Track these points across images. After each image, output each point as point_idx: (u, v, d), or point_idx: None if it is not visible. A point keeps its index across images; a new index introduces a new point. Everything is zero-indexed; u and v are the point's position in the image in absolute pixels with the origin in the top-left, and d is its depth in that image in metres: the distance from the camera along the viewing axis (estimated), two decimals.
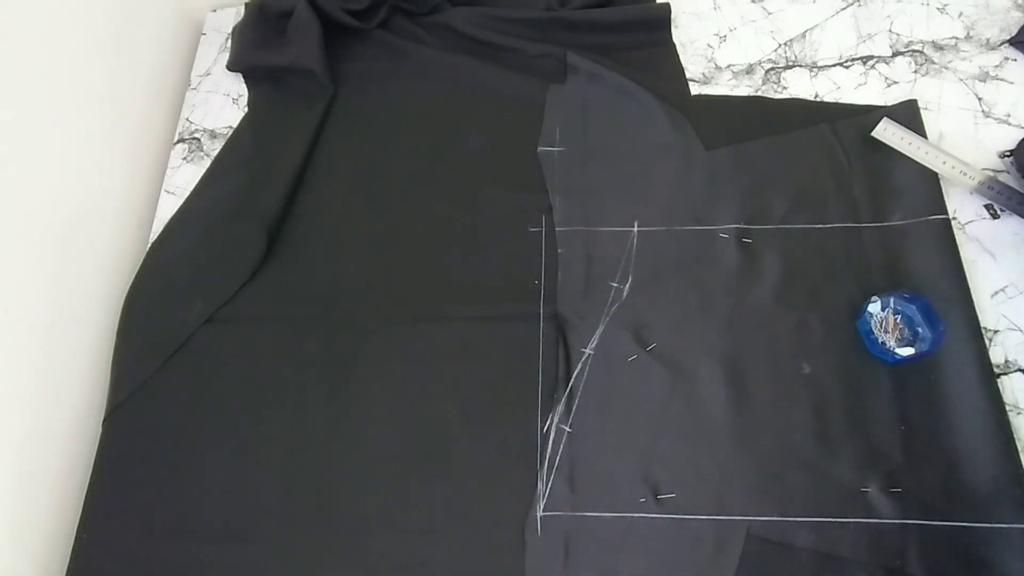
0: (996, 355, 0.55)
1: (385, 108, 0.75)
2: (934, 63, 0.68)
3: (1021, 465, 0.51)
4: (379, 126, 0.74)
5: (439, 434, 0.59)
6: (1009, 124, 0.63)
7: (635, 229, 0.64)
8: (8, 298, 0.58)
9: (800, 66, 0.70)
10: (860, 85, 0.68)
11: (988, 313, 0.56)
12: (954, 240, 0.58)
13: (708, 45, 0.74)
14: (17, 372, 0.59)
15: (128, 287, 0.69)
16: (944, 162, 0.60)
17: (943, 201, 0.60)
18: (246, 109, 0.78)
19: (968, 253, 0.58)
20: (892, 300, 0.56)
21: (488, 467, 0.57)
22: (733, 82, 0.71)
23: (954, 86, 0.66)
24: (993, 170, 0.61)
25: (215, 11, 0.87)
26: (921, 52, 0.68)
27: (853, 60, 0.69)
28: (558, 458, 0.56)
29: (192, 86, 0.82)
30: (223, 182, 0.73)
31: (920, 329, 0.54)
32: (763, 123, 0.67)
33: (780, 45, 0.72)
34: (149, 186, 0.76)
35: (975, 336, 0.54)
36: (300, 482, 0.58)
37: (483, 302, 0.63)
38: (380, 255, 0.67)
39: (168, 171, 0.76)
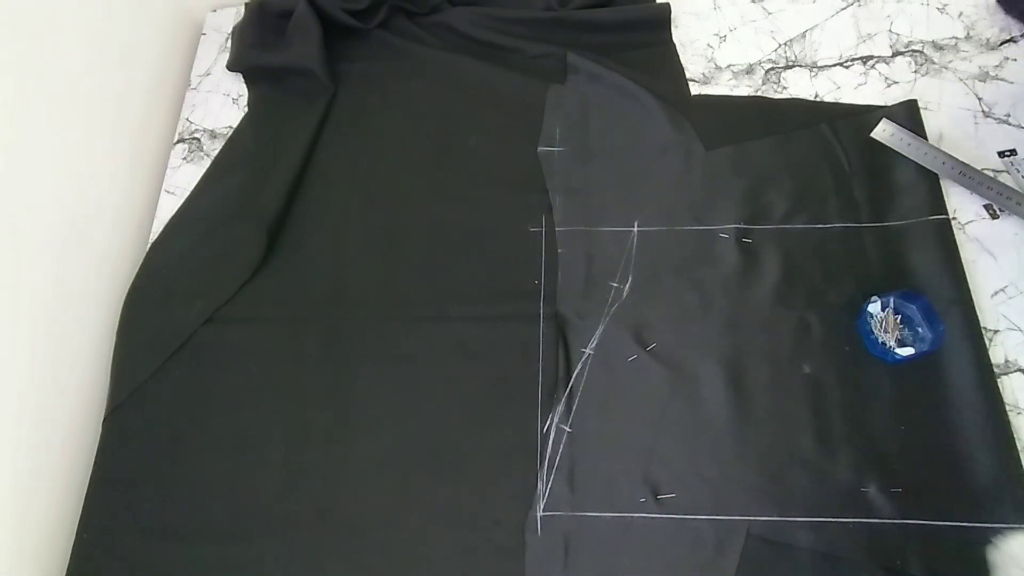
0: (996, 355, 0.55)
1: (385, 108, 0.75)
2: (934, 63, 0.68)
3: (1021, 465, 0.51)
4: (379, 126, 0.74)
5: (439, 434, 0.59)
6: (1009, 124, 0.63)
7: (635, 229, 0.64)
8: (8, 298, 0.58)
9: (800, 66, 0.70)
10: (860, 85, 0.68)
11: (988, 313, 0.56)
12: (954, 240, 0.58)
13: (708, 45, 0.74)
14: (17, 372, 0.59)
15: (128, 287, 0.69)
16: (944, 162, 0.60)
17: (943, 201, 0.60)
18: (246, 109, 0.78)
19: (968, 253, 0.58)
20: (892, 300, 0.56)
21: (488, 467, 0.57)
22: (733, 82, 0.71)
23: (954, 86, 0.66)
24: (993, 170, 0.61)
25: (215, 11, 0.87)
26: (921, 52, 0.68)
27: (853, 60, 0.70)
28: (558, 458, 0.56)
29: (192, 86, 0.82)
30: (223, 182, 0.73)
31: (920, 329, 0.54)
32: (763, 123, 0.67)
33: (780, 45, 0.72)
34: (149, 186, 0.76)
35: (975, 336, 0.54)
36: (300, 482, 0.58)
37: (483, 302, 0.63)
38: (380, 255, 0.67)
39: (168, 171, 0.76)
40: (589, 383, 0.59)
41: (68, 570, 0.58)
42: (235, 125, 0.77)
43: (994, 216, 0.59)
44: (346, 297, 0.65)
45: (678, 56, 0.73)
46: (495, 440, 0.58)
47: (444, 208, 0.68)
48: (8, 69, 0.60)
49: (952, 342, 0.54)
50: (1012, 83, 0.65)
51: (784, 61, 0.71)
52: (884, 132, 0.63)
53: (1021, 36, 0.67)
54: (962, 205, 0.60)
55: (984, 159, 0.62)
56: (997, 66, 0.66)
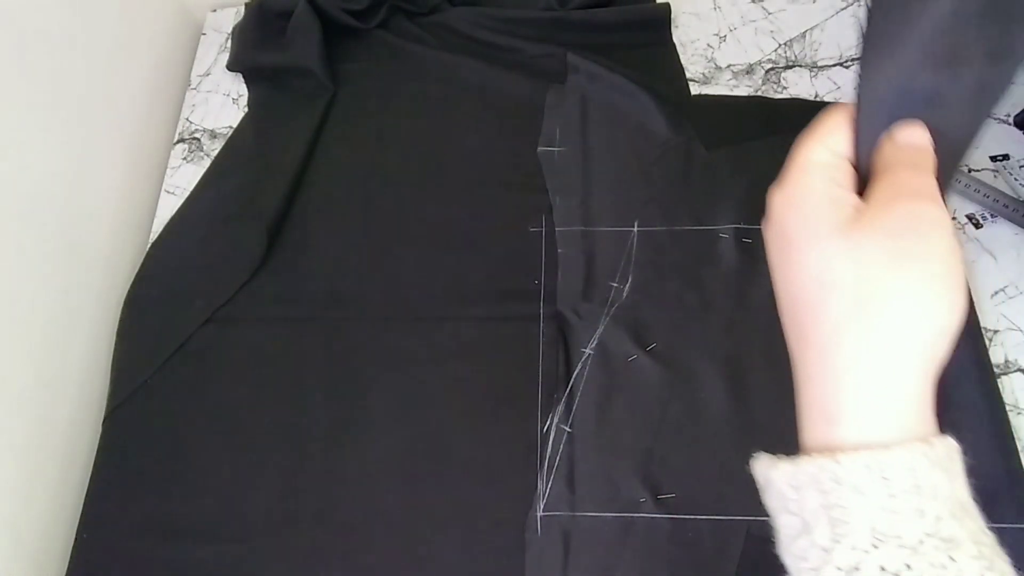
0: (996, 355, 0.55)
1: (385, 108, 0.75)
2: None
3: (1021, 465, 0.51)
4: (379, 126, 0.74)
5: (439, 434, 0.59)
6: (1009, 124, 0.63)
7: (635, 229, 0.64)
8: (8, 298, 0.58)
9: (800, 66, 0.70)
10: None
11: (988, 313, 0.56)
12: None
13: (708, 45, 0.74)
14: (17, 372, 0.59)
15: (128, 287, 0.69)
16: None
17: None
18: (246, 109, 0.78)
19: (968, 253, 0.58)
20: None
21: (488, 467, 0.57)
22: (733, 82, 0.71)
23: None
24: (989, 169, 0.61)
25: (215, 11, 0.87)
26: None
27: (853, 60, 0.69)
28: (558, 458, 0.56)
29: (192, 86, 0.82)
30: (223, 182, 0.73)
31: None
32: (763, 123, 0.67)
33: (780, 45, 0.72)
34: (149, 186, 0.76)
35: (975, 336, 0.54)
36: (300, 482, 0.58)
37: (483, 302, 0.63)
38: (380, 255, 0.67)
39: (168, 171, 0.76)
40: (589, 383, 0.59)
41: (68, 570, 0.58)
42: (235, 125, 0.77)
43: (977, 226, 0.59)
44: (346, 297, 0.65)
45: (678, 56, 0.73)
46: (495, 440, 0.58)
47: (444, 208, 0.68)
48: (7, 69, 0.60)
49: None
50: (1011, 83, 0.65)
51: (784, 61, 0.71)
52: None
53: None
54: (962, 205, 0.60)
55: (980, 161, 0.62)
56: None
